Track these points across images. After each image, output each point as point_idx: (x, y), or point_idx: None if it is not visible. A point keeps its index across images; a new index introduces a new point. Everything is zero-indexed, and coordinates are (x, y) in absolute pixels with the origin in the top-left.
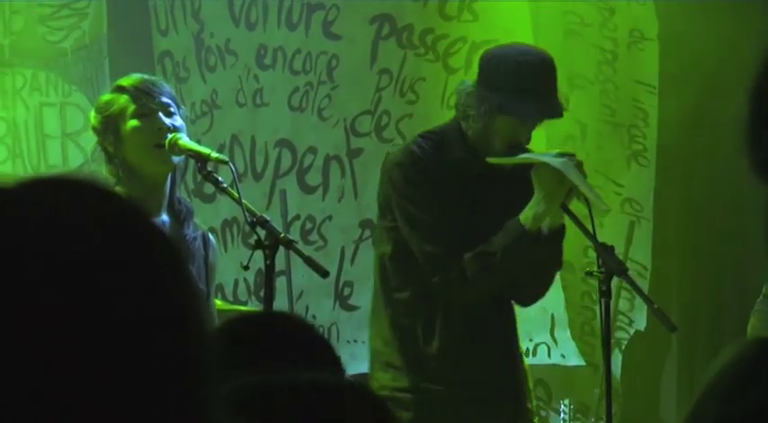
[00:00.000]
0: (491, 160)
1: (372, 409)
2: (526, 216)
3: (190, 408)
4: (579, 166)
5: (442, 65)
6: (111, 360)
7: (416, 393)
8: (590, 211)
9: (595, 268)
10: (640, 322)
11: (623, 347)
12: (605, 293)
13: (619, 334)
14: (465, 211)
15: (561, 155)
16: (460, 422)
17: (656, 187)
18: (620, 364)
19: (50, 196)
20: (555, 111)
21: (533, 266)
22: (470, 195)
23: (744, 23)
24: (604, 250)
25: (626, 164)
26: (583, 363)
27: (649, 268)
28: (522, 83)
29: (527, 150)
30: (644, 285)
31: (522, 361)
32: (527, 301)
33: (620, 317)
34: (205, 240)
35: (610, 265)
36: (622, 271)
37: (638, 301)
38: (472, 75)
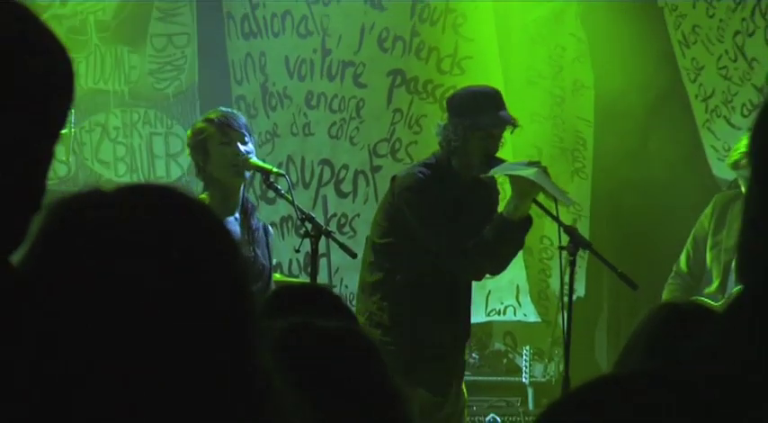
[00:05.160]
0: (485, 176)
1: (367, 349)
2: (508, 210)
3: (243, 342)
4: (546, 169)
5: (438, 106)
6: (196, 315)
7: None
8: (556, 204)
9: (564, 245)
10: (581, 290)
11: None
12: (572, 264)
13: (565, 299)
14: (457, 215)
15: (532, 163)
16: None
17: (591, 195)
18: (565, 321)
19: (136, 197)
20: (511, 119)
21: (508, 247)
22: (459, 206)
23: (656, 75)
24: (572, 230)
25: (570, 177)
26: (539, 320)
27: (587, 252)
28: (481, 103)
29: (501, 160)
30: (584, 263)
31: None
32: (499, 271)
33: (566, 286)
34: (265, 230)
35: (579, 241)
36: (590, 244)
37: (579, 274)
38: None
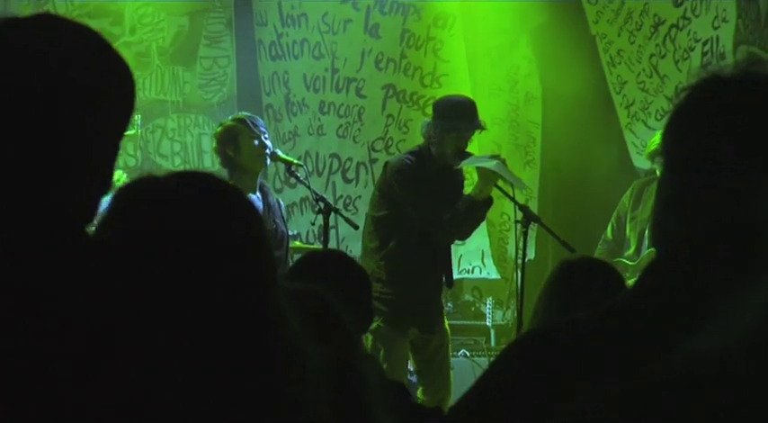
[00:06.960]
0: (457, 166)
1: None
2: (474, 192)
3: (267, 293)
4: (504, 161)
5: (421, 112)
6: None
7: (393, 296)
8: (513, 188)
9: (518, 219)
10: (531, 254)
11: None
12: (525, 234)
13: (519, 261)
14: (435, 194)
15: (493, 156)
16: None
17: (540, 181)
18: (519, 278)
19: (183, 181)
20: (480, 125)
21: (474, 220)
22: (435, 185)
23: (590, 88)
24: (525, 208)
25: (523, 167)
26: (500, 277)
27: (536, 225)
28: (460, 111)
29: (469, 154)
30: (534, 234)
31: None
32: (465, 238)
33: (520, 251)
34: (279, 204)
35: (530, 216)
36: (539, 219)
37: (530, 242)
38: None
